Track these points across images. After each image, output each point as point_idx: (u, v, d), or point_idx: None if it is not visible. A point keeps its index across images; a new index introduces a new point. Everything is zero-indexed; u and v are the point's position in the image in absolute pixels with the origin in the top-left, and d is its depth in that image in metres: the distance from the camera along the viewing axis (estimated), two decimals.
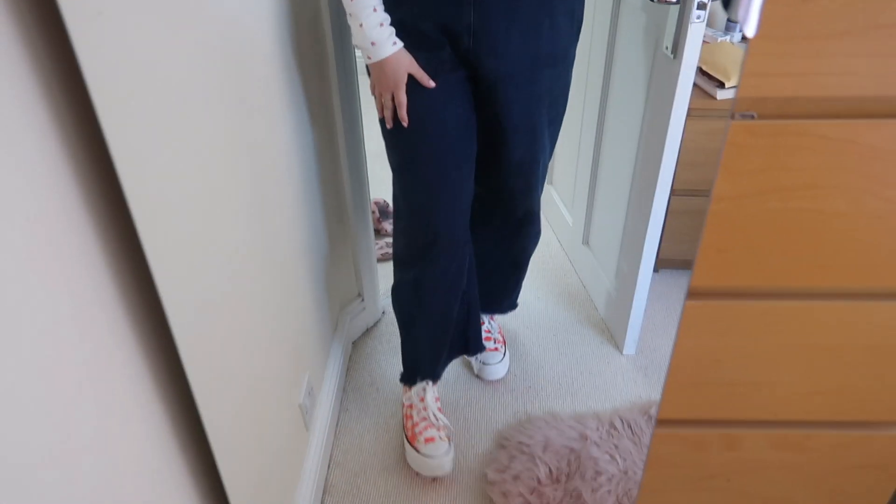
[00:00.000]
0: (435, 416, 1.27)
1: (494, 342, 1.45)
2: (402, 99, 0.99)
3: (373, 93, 1.03)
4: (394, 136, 1.05)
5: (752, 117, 0.74)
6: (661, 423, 0.91)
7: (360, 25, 0.94)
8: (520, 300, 1.49)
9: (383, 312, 1.68)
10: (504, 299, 1.42)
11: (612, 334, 1.58)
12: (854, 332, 0.82)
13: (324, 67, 1.25)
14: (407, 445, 1.27)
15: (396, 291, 1.23)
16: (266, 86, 0.97)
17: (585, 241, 1.73)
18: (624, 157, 1.40)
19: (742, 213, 0.74)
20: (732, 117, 0.72)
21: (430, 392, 1.28)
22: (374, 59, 0.96)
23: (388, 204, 1.96)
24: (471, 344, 1.30)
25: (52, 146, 0.48)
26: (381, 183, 1.80)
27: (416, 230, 1.11)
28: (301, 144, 1.15)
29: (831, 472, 0.96)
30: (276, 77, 1.02)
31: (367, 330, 1.64)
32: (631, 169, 1.37)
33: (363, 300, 1.59)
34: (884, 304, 0.81)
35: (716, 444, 0.94)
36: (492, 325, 1.48)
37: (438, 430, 1.25)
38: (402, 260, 1.18)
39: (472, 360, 1.45)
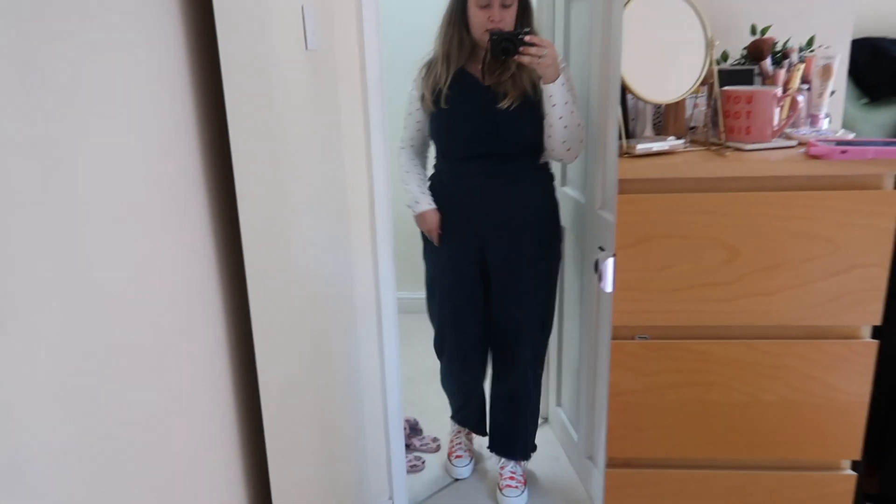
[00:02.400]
0: (465, 442, 2.15)
1: (516, 482, 1.99)
2: (434, 236, 1.82)
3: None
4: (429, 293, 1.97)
5: (647, 338, 1.24)
6: None
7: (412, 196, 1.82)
8: None
9: None
10: (511, 442, 2.00)
11: None
12: (749, 496, 1.22)
13: (370, 308, 1.82)
14: (446, 457, 2.16)
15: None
16: (351, 324, 1.52)
17: (590, 457, 2.11)
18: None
19: (645, 402, 1.21)
20: (633, 338, 1.23)
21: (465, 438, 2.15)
22: (418, 211, 1.80)
23: (417, 422, 2.40)
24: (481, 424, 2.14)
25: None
26: (410, 404, 2.27)
27: (438, 345, 2.01)
28: (361, 368, 1.68)
29: None
30: (363, 314, 1.58)
31: None
32: None
33: (393, 502, 1.97)
34: (767, 474, 1.22)
35: None
36: (516, 467, 2.02)
37: (466, 451, 2.14)
38: (436, 348, 2.05)
39: (498, 493, 2.01)
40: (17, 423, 0.57)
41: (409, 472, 2.20)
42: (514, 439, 2.04)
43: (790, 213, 1.17)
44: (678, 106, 1.34)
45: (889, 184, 1.17)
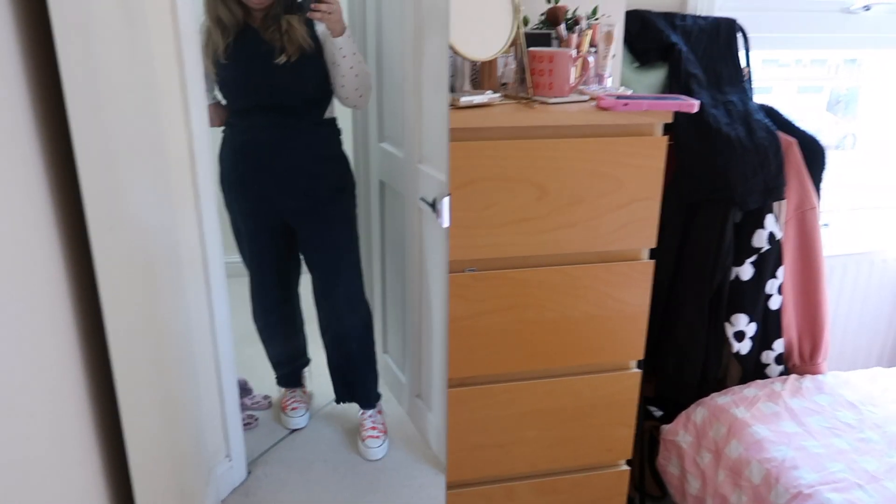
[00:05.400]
0: (300, 394, 2.25)
1: (378, 431, 2.12)
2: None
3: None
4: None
5: (475, 270, 1.42)
6: (451, 485, 1.46)
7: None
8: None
9: (249, 472, 2.09)
10: (350, 390, 2.18)
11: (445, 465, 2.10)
12: (562, 398, 1.47)
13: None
14: (280, 410, 2.23)
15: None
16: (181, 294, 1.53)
17: (417, 394, 2.30)
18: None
19: (475, 327, 1.40)
20: (462, 270, 1.39)
21: (298, 389, 2.27)
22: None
23: (246, 381, 2.43)
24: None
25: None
26: (237, 364, 2.29)
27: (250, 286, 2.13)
28: (192, 329, 1.69)
29: None
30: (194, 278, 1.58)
31: (234, 489, 2.03)
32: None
33: (231, 460, 2.01)
34: (574, 378, 1.47)
35: (499, 497, 1.49)
36: (376, 417, 2.16)
37: (300, 402, 2.22)
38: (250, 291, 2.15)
39: (360, 444, 2.12)
40: None
41: (243, 430, 2.24)
42: (353, 385, 2.19)
43: (585, 156, 1.42)
44: (492, 64, 1.53)
45: (659, 131, 1.47)
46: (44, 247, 0.91)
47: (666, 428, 1.95)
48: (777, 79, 2.71)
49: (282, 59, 1.75)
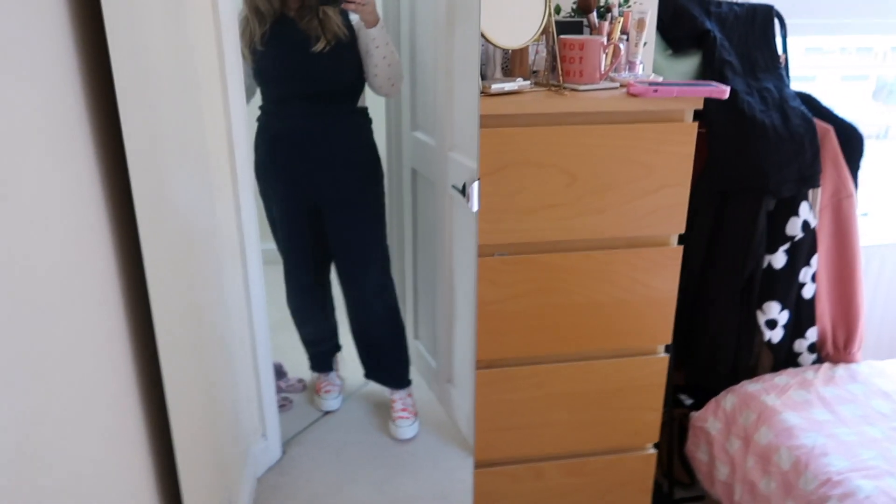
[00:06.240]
0: (333, 380, 2.34)
1: (408, 412, 2.18)
2: None
3: None
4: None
5: (505, 254, 1.46)
6: (480, 464, 1.50)
7: None
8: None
9: (283, 452, 2.17)
10: (382, 371, 2.24)
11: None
12: (589, 381, 1.50)
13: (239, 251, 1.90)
14: (314, 393, 2.33)
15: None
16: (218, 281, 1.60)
17: (449, 380, 2.35)
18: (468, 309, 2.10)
19: (506, 309, 1.44)
20: (492, 255, 1.43)
21: (332, 373, 2.35)
22: None
23: (281, 365, 2.51)
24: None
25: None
26: (273, 349, 2.37)
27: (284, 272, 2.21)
28: (230, 313, 1.76)
29: (605, 491, 1.58)
30: (227, 264, 1.65)
31: (269, 468, 2.11)
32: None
33: (266, 439, 2.09)
34: (602, 362, 1.50)
35: (527, 477, 1.53)
36: (407, 401, 2.22)
37: (334, 386, 2.32)
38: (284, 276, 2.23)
39: (391, 424, 2.18)
40: None
41: (278, 411, 2.32)
42: (382, 368, 2.26)
43: (615, 143, 1.45)
44: (523, 52, 1.56)
45: (689, 117, 1.49)
46: (95, 231, 0.97)
47: (695, 415, 1.96)
48: (821, 67, 2.67)
49: (318, 47, 1.80)
